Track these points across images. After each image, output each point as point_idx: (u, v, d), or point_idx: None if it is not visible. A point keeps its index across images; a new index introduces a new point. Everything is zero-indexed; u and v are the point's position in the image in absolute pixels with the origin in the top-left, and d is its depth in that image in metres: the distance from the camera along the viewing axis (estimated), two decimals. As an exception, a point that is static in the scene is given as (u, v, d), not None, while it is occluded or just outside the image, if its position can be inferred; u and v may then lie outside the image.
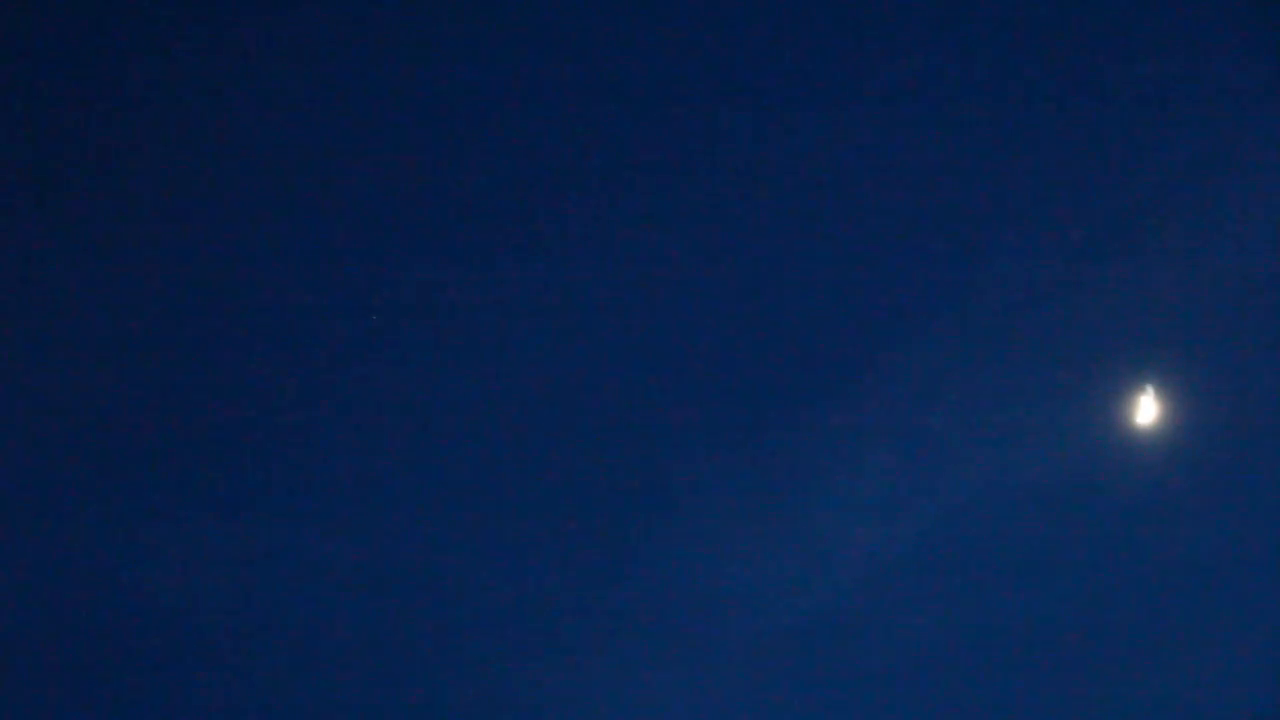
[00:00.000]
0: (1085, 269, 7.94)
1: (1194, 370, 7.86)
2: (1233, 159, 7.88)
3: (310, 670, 7.93)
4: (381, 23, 8.16)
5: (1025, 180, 7.98)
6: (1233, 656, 7.71)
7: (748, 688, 7.92)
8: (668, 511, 8.04)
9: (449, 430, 8.09)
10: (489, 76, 8.17)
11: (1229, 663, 7.71)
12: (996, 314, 7.96)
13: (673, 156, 8.13)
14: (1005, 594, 7.86)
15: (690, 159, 8.13)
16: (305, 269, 8.13)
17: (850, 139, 8.07)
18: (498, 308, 8.12)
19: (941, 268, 8.01)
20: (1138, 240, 7.92)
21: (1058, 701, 7.79)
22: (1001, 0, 8.00)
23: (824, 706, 7.89)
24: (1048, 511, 7.87)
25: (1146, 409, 7.82)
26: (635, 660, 7.94)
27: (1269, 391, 7.81)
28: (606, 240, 8.13)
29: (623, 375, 8.09)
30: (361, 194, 8.17)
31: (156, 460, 8.04)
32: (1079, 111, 7.96)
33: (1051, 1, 7.97)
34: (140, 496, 8.01)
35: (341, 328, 8.13)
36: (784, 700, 7.91)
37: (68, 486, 7.98)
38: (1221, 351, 7.85)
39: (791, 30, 8.08)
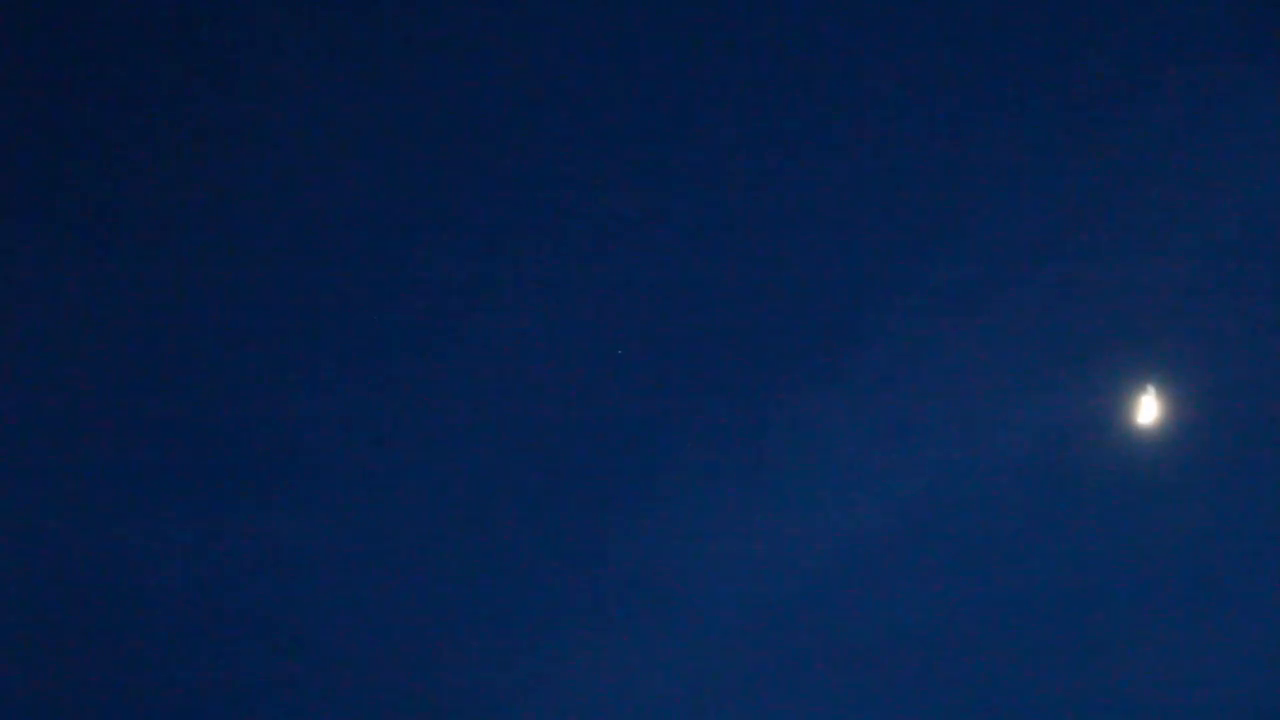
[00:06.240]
0: (1061, 255, 8.06)
1: (1168, 353, 7.98)
2: (1215, 148, 8.02)
3: (298, 654, 8.03)
4: (383, 22, 8.27)
5: (998, 169, 8.10)
6: (1207, 632, 7.85)
7: (727, 664, 8.03)
8: (649, 496, 8.16)
9: (435, 417, 8.20)
10: (489, 76, 8.30)
11: (1203, 640, 7.84)
12: (970, 299, 8.08)
13: (652, 157, 8.26)
14: (978, 572, 7.99)
15: (668, 160, 8.25)
16: (300, 263, 8.24)
17: (823, 135, 8.20)
18: (485, 301, 8.24)
19: (917, 253, 8.13)
20: (1114, 227, 8.05)
21: (1031, 675, 7.91)
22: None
23: (802, 682, 8.01)
24: (1019, 491, 7.99)
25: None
26: (617, 639, 8.06)
27: (1246, 374, 7.93)
28: (588, 238, 8.25)
29: (605, 365, 8.20)
30: (358, 189, 8.28)
31: (153, 452, 8.13)
32: (1050, 97, 8.09)
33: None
34: (137, 487, 8.11)
35: (333, 320, 8.24)
36: (763, 676, 8.02)
37: (63, 477, 8.08)
38: (1197, 334, 7.98)
39: (763, 29, 8.20)
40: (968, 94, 8.14)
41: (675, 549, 8.14)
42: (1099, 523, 7.96)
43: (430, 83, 8.30)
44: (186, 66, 8.27)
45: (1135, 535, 7.94)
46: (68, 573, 8.03)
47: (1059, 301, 8.04)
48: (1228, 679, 7.76)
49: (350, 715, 7.99)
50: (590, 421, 8.19)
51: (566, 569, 8.12)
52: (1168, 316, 7.99)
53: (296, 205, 8.28)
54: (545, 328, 8.22)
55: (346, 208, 8.29)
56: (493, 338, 8.23)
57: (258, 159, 8.28)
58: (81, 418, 8.13)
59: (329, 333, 8.23)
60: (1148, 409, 7.92)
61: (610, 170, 8.27)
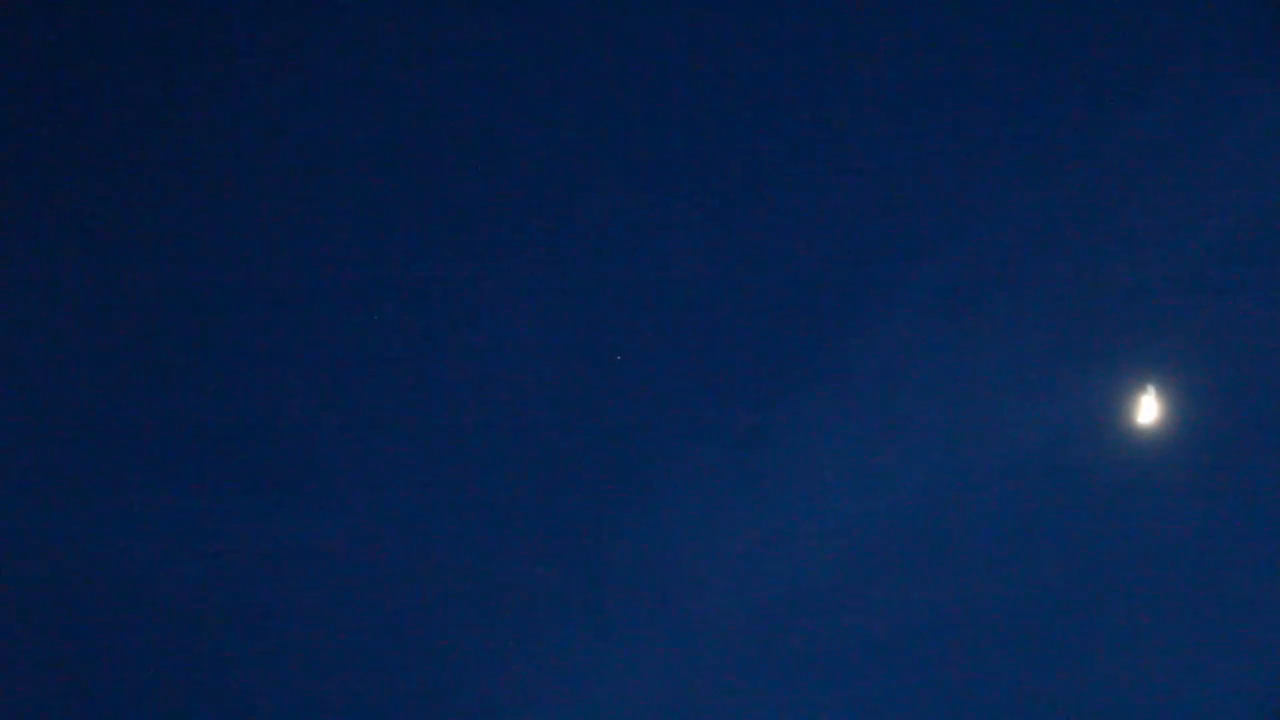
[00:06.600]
0: (1061, 255, 8.07)
1: (1168, 353, 7.97)
2: (1215, 148, 8.01)
3: (297, 653, 8.07)
4: (383, 22, 8.30)
5: (998, 168, 8.11)
6: (1207, 632, 7.85)
7: (727, 664, 8.05)
8: (648, 496, 8.18)
9: (436, 417, 8.23)
10: (488, 75, 8.32)
11: (1204, 640, 7.84)
12: (970, 298, 8.09)
13: (649, 158, 8.28)
14: (978, 573, 7.99)
15: (665, 160, 8.27)
16: (302, 262, 8.28)
17: (822, 135, 8.22)
18: (485, 301, 8.26)
19: (916, 252, 8.14)
20: (1114, 227, 8.04)
21: (1032, 675, 7.92)
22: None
23: (802, 682, 8.02)
24: (1020, 491, 7.99)
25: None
26: (617, 638, 8.09)
27: (1246, 374, 7.93)
28: (586, 238, 8.27)
29: (604, 365, 8.23)
30: (359, 188, 8.32)
31: (153, 451, 8.19)
32: (1050, 96, 8.10)
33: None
34: (137, 487, 8.16)
35: (334, 320, 8.28)
36: (763, 676, 8.04)
37: (63, 476, 8.13)
38: (1197, 333, 7.97)
39: (760, 28, 8.22)
40: (967, 93, 8.15)
41: (674, 549, 8.16)
42: (1099, 523, 7.96)
43: (429, 81, 8.33)
44: (186, 66, 8.31)
45: (1135, 535, 7.94)
46: (67, 571, 8.07)
47: (1059, 302, 8.05)
48: (1228, 679, 7.76)
49: (350, 714, 8.02)
50: (589, 421, 8.21)
51: (565, 569, 8.15)
52: (1168, 316, 7.99)
53: (297, 204, 8.33)
54: (545, 327, 8.25)
55: (348, 207, 8.33)
56: (493, 337, 8.26)
57: (258, 158, 8.33)
58: (81, 417, 8.17)
59: (330, 332, 8.27)
60: (1148, 409, 7.92)
61: (608, 171, 8.30)
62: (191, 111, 8.31)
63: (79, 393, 8.17)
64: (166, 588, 8.09)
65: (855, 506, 8.06)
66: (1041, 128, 8.10)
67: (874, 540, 8.05)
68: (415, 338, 8.27)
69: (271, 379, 8.23)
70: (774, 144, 8.24)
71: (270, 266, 8.26)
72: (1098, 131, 8.07)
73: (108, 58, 8.30)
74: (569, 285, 8.24)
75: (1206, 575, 7.87)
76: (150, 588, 8.09)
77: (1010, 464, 7.99)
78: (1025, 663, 7.93)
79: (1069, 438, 7.98)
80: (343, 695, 8.04)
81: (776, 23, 8.19)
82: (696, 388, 8.21)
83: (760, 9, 8.20)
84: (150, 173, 8.29)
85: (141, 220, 8.27)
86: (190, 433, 8.19)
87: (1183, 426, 7.91)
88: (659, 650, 8.08)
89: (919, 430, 8.08)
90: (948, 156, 8.15)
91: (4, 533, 8.08)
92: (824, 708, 7.97)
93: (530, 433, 8.20)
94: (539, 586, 8.09)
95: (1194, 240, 7.97)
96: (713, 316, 8.22)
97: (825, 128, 8.23)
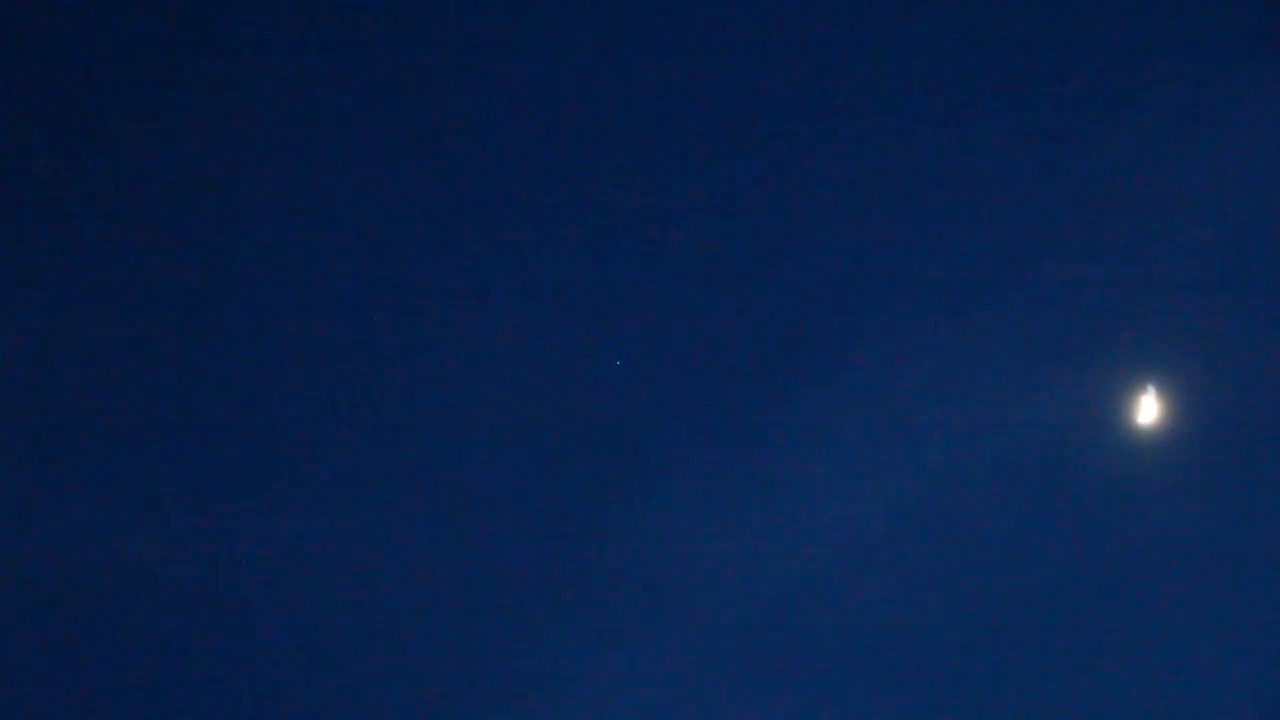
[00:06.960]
0: (1060, 255, 8.07)
1: (1168, 353, 7.98)
2: (1214, 147, 8.02)
3: (297, 653, 8.08)
4: (383, 21, 8.33)
5: (997, 168, 8.12)
6: (1207, 632, 7.84)
7: (725, 664, 8.05)
8: (647, 495, 8.18)
9: (435, 416, 8.23)
10: (486, 74, 8.35)
11: (1203, 640, 7.83)
12: (969, 297, 8.10)
13: (648, 156, 8.30)
14: (978, 572, 7.99)
15: (664, 159, 8.30)
16: (301, 263, 8.30)
17: (821, 134, 8.23)
18: (484, 300, 8.28)
19: (915, 251, 8.14)
20: (1113, 227, 8.05)
21: (1031, 675, 7.92)
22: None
23: (800, 681, 8.03)
24: (1019, 491, 8.00)
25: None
26: (616, 638, 8.08)
27: (1246, 374, 7.94)
28: (585, 237, 8.29)
29: (603, 363, 8.23)
30: (357, 189, 8.33)
31: (153, 451, 8.21)
32: (1049, 95, 8.11)
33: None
34: (137, 487, 8.18)
35: (334, 320, 8.30)
36: (761, 675, 8.05)
37: (63, 476, 8.15)
38: (1197, 334, 7.98)
39: (758, 27, 8.25)
40: (965, 92, 8.18)
41: (672, 548, 8.15)
42: (1098, 523, 7.96)
43: (428, 80, 8.35)
44: (185, 66, 8.33)
45: (1135, 536, 7.94)
46: (68, 571, 8.08)
47: (1058, 301, 8.07)
48: (1228, 679, 7.76)
49: (348, 713, 8.03)
50: (589, 421, 8.22)
51: (565, 568, 8.15)
52: (1168, 316, 8.00)
53: (296, 204, 8.34)
54: (544, 326, 8.26)
55: (346, 207, 8.34)
56: (492, 336, 8.27)
57: (257, 158, 8.35)
58: (82, 418, 8.18)
59: (329, 333, 8.28)
60: (1147, 409, 7.93)
61: (606, 169, 8.31)
62: (192, 111, 8.33)
63: (80, 393, 8.18)
64: (165, 587, 8.10)
65: (855, 506, 8.07)
66: (1041, 128, 8.12)
67: (874, 540, 8.05)
68: (413, 338, 8.29)
69: (270, 379, 8.25)
70: (774, 143, 8.27)
71: (270, 268, 8.29)
72: (1097, 132, 8.09)
73: (108, 57, 8.33)
74: (567, 284, 8.25)
75: (1206, 574, 7.87)
76: (149, 587, 8.10)
77: (1010, 463, 7.99)
78: (1025, 661, 7.93)
79: (1069, 437, 7.99)
80: (340, 694, 8.04)
81: (777, 22, 8.22)
82: (696, 388, 8.22)
83: (761, 8, 8.23)
84: (150, 173, 8.32)
85: (141, 220, 8.29)
86: (191, 436, 8.21)
87: (1184, 427, 7.91)
88: (657, 650, 8.07)
89: (919, 430, 8.09)
90: (948, 156, 8.17)
91: (4, 532, 8.08)
92: (823, 707, 7.98)
93: (529, 433, 8.21)
94: (539, 586, 8.12)
95: (1194, 240, 7.99)
96: (712, 316, 8.23)
97: (825, 127, 8.25)
